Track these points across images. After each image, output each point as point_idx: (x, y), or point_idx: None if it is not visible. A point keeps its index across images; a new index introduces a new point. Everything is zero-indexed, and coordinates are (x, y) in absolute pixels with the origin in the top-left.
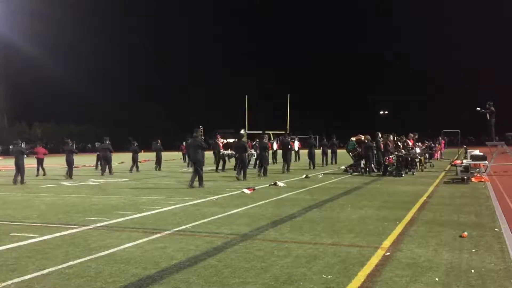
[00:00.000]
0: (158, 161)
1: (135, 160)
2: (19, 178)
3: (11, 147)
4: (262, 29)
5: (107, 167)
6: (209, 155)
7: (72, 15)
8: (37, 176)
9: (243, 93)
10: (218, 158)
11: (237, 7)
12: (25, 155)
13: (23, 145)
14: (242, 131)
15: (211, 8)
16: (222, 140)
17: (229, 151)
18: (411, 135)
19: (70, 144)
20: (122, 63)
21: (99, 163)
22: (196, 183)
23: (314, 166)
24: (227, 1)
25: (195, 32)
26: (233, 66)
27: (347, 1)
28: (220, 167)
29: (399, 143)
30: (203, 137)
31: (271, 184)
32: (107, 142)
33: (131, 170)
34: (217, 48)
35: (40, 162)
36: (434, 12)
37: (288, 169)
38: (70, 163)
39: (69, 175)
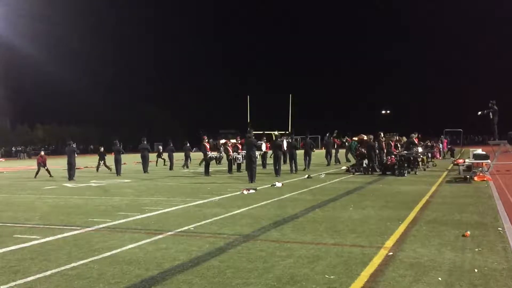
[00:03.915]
0: (170, 162)
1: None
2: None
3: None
4: (262, 29)
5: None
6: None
7: (72, 17)
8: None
9: (245, 93)
10: (205, 160)
11: (237, 7)
12: (76, 154)
13: (74, 145)
14: (276, 132)
15: (211, 8)
16: (208, 141)
17: (216, 154)
18: (413, 135)
19: (118, 145)
20: (122, 64)
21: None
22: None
23: (329, 164)
24: (227, 1)
25: (195, 32)
26: (233, 66)
27: (348, 1)
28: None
29: (398, 144)
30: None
31: (273, 185)
32: (145, 142)
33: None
34: (217, 48)
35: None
36: (434, 11)
37: (278, 173)
38: (118, 161)
39: (118, 172)
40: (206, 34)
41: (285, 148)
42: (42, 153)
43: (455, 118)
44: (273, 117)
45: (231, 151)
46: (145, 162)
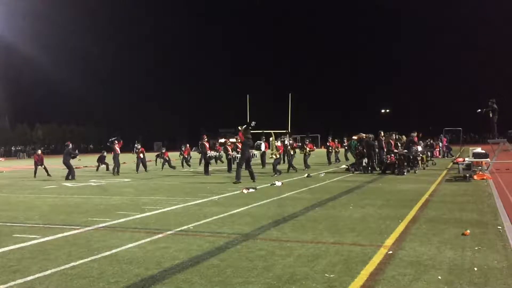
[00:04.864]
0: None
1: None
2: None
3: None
4: (262, 28)
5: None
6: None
7: (72, 16)
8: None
9: (245, 93)
10: (205, 160)
11: (237, 7)
12: (74, 156)
13: (70, 146)
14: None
15: (211, 7)
16: (207, 140)
17: (215, 153)
18: (413, 134)
19: (115, 144)
20: (122, 63)
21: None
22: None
23: (330, 163)
24: (227, 1)
25: (195, 32)
26: (234, 66)
27: (347, 1)
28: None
29: (398, 143)
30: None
31: (272, 184)
32: (139, 144)
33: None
34: (217, 48)
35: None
36: (434, 11)
37: (276, 170)
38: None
39: (117, 172)
40: (207, 34)
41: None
42: (39, 151)
43: (455, 117)
44: (273, 116)
45: (230, 150)
46: (139, 161)
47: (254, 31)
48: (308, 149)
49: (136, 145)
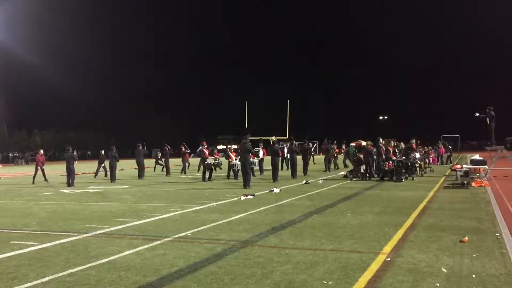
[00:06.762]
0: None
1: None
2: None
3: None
4: (262, 31)
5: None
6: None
7: (71, 22)
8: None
9: (243, 99)
10: (204, 166)
11: (237, 9)
12: (75, 161)
13: (74, 151)
14: (273, 138)
15: (211, 11)
16: (206, 147)
17: (214, 160)
18: (412, 141)
19: (114, 151)
20: (121, 69)
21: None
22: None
23: (329, 170)
24: (227, 5)
25: (195, 36)
26: (233, 70)
27: (345, 3)
28: (206, 176)
29: (396, 150)
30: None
31: (270, 191)
32: (141, 147)
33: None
34: (217, 49)
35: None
36: (434, 14)
37: (276, 178)
38: (112, 167)
39: (113, 179)
40: (206, 37)
41: (286, 154)
42: (42, 151)
43: (453, 123)
44: (272, 123)
45: (233, 157)
46: (141, 168)
47: (254, 33)
48: None
49: (138, 147)
